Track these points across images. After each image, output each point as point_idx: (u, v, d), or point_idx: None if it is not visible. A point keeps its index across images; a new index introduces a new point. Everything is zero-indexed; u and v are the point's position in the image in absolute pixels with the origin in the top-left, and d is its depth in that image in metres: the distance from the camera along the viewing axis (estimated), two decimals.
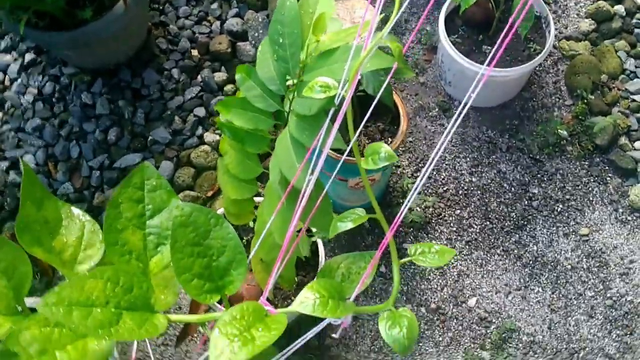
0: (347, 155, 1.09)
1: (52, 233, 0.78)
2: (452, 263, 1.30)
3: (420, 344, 1.21)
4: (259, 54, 0.72)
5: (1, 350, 0.57)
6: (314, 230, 1.10)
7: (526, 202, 1.36)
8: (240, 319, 0.69)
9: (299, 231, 0.94)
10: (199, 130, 1.36)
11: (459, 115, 0.56)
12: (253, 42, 1.44)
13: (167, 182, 0.82)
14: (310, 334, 0.72)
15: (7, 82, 1.35)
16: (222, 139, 0.87)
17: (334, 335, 1.18)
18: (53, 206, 0.80)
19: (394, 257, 0.70)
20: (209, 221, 0.73)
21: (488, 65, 0.54)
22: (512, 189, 1.37)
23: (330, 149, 0.63)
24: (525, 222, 1.34)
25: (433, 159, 0.57)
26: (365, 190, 0.85)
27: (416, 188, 0.61)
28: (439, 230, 1.34)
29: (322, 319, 0.66)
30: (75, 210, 0.82)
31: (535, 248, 1.31)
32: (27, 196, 0.75)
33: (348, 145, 0.63)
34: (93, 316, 0.64)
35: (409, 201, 0.64)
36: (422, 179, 0.59)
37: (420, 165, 1.39)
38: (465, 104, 0.54)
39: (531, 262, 1.30)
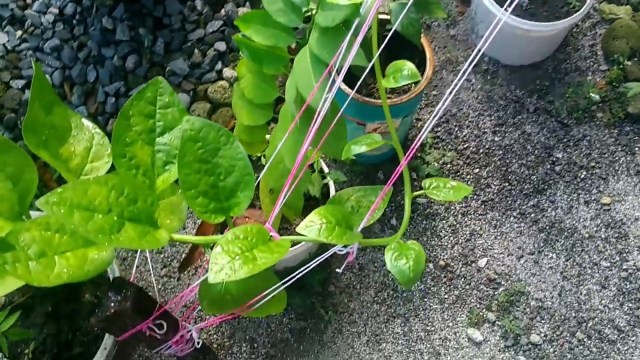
0: (366, 96, 1.06)
1: (59, 139, 0.77)
2: (466, 221, 1.27)
3: (425, 300, 1.20)
4: None
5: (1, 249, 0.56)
6: (325, 170, 1.08)
7: (549, 166, 1.32)
8: (243, 239, 0.67)
9: (311, 165, 0.91)
10: (218, 65, 1.33)
11: (469, 64, 0.52)
12: None
13: (179, 100, 0.80)
14: (315, 262, 0.71)
15: (28, 0, 1.33)
16: (240, 62, 0.85)
17: (337, 270, 1.16)
18: (62, 113, 0.78)
19: (407, 189, 0.68)
20: (219, 138, 0.71)
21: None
22: (536, 151, 1.33)
23: (349, 81, 0.60)
24: (546, 187, 1.30)
25: (446, 99, 0.54)
26: (385, 137, 0.82)
27: (434, 116, 0.57)
28: None
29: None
30: (86, 122, 0.80)
31: (553, 214, 1.28)
32: (36, 97, 0.73)
33: (369, 63, 0.60)
34: (94, 221, 0.63)
35: (426, 130, 0.61)
36: (438, 112, 0.56)
37: (441, 120, 1.35)
38: (480, 51, 0.50)
39: (547, 228, 1.27)
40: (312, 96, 0.62)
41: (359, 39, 0.56)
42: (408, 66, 0.57)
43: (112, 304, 0.72)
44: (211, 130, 0.70)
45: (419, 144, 0.58)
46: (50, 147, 0.75)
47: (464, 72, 0.54)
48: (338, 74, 0.57)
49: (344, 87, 1.03)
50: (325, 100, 0.59)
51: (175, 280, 1.19)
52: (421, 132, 0.59)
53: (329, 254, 0.69)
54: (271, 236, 0.70)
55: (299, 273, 0.73)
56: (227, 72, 1.33)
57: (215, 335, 1.15)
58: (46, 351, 0.92)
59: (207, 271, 0.76)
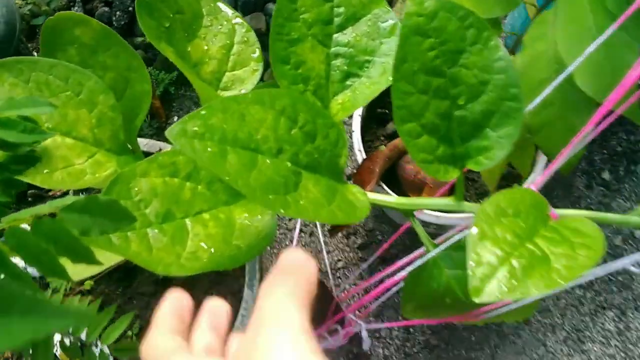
0: None
1: (187, 30, 0.50)
2: None
3: None
4: None
5: (105, 201, 0.31)
6: None
7: None
8: (513, 215, 0.39)
9: None
10: None
11: None
12: None
13: None
14: None
15: None
16: None
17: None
18: None
19: None
20: (464, 31, 0.41)
21: None
22: None
23: None
24: None
25: None
26: None
27: None
28: None
29: None
30: (223, 7, 0.53)
31: None
32: None
33: None
34: (259, 169, 0.36)
35: None
36: None
37: None
38: None
39: None
40: None
41: None
42: None
43: None
44: (452, 17, 0.40)
45: None
46: (176, 41, 0.48)
47: None
48: None
49: None
50: None
51: (320, 238, 0.93)
52: None
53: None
54: (550, 211, 0.41)
55: None
56: None
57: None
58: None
59: (404, 266, 0.49)
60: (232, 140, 0.36)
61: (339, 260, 0.90)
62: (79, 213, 0.28)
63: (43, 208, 0.28)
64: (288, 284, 0.23)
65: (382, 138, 0.88)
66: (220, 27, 0.52)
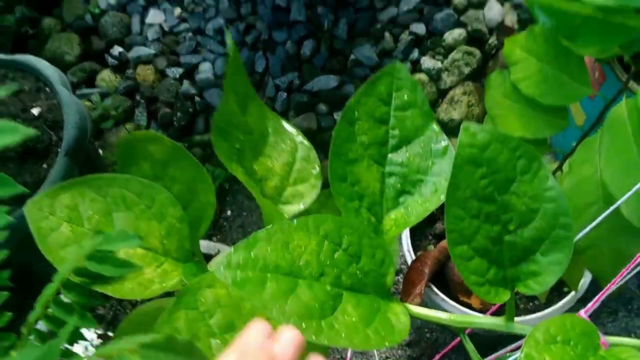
0: None
1: (254, 150, 0.56)
2: None
3: None
4: None
5: (172, 310, 0.36)
6: None
7: None
8: (563, 343, 0.41)
9: None
10: (414, 53, 1.09)
11: None
12: None
13: (425, 97, 0.56)
14: None
15: None
16: (511, 40, 0.59)
17: None
18: (258, 112, 0.57)
19: None
20: (514, 162, 0.45)
21: None
22: None
23: None
24: None
25: None
26: None
27: None
28: None
29: None
30: (287, 126, 0.59)
31: None
32: (231, 87, 0.53)
33: None
34: (297, 295, 0.40)
35: None
36: None
37: None
38: None
39: None
40: None
41: None
42: None
43: None
44: (503, 149, 0.45)
45: None
46: (245, 160, 0.54)
47: None
48: None
49: None
50: None
51: None
52: None
53: None
54: (600, 339, 0.43)
55: None
56: (427, 62, 1.07)
57: None
58: None
59: None
60: (274, 268, 0.40)
61: (387, 357, 0.91)
62: (157, 350, 0.31)
63: (126, 344, 0.32)
64: None
65: (430, 237, 0.91)
66: (283, 145, 0.58)
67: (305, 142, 0.59)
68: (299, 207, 0.57)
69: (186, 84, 1.09)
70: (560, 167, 0.66)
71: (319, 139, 1.05)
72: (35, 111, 0.86)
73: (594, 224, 0.42)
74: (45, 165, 0.83)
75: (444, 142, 0.55)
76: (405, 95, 0.55)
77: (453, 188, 0.45)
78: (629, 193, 0.40)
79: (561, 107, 0.55)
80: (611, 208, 0.40)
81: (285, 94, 1.07)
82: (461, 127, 0.45)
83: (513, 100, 0.59)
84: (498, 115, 0.61)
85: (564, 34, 0.50)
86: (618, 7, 0.45)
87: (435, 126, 0.55)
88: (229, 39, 0.52)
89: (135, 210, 0.54)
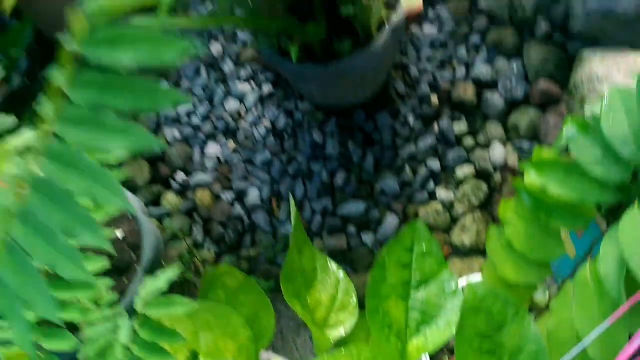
0: None
1: (307, 286, 0.73)
2: None
3: None
4: (605, 105, 0.60)
5: None
6: None
7: None
8: None
9: None
10: (431, 185, 1.27)
11: None
12: (503, 92, 1.33)
13: (439, 248, 0.73)
14: None
15: (242, 112, 1.41)
16: (503, 205, 0.76)
17: None
18: (310, 254, 0.75)
19: None
20: (505, 311, 0.61)
21: None
22: None
23: None
24: None
25: None
26: None
27: None
28: None
29: None
30: (331, 264, 0.76)
31: None
32: (295, 244, 0.71)
33: None
34: None
35: None
36: None
37: None
38: None
39: None
40: None
41: None
42: None
43: None
44: (496, 302, 0.61)
45: None
46: (301, 296, 0.71)
47: None
48: None
49: None
50: None
51: None
52: None
53: None
54: None
55: None
56: (441, 193, 1.26)
57: None
58: None
59: None
60: None
61: None
62: None
63: None
64: None
65: (445, 350, 1.05)
66: (329, 280, 0.75)
67: (345, 277, 0.76)
68: (340, 332, 0.73)
69: (237, 206, 1.28)
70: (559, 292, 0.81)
71: (348, 257, 1.22)
72: (118, 233, 1.04)
73: (568, 358, 0.58)
74: (125, 280, 1.00)
75: (454, 285, 0.71)
76: (424, 246, 0.72)
77: (461, 328, 0.60)
78: (592, 337, 0.56)
79: (543, 262, 0.71)
80: (579, 347, 0.56)
81: (320, 216, 1.25)
82: (466, 285, 0.61)
83: (508, 252, 0.75)
84: (497, 262, 0.78)
85: (543, 212, 0.68)
86: (578, 200, 0.63)
87: (447, 271, 0.72)
88: (293, 212, 0.71)
89: (215, 331, 0.71)
